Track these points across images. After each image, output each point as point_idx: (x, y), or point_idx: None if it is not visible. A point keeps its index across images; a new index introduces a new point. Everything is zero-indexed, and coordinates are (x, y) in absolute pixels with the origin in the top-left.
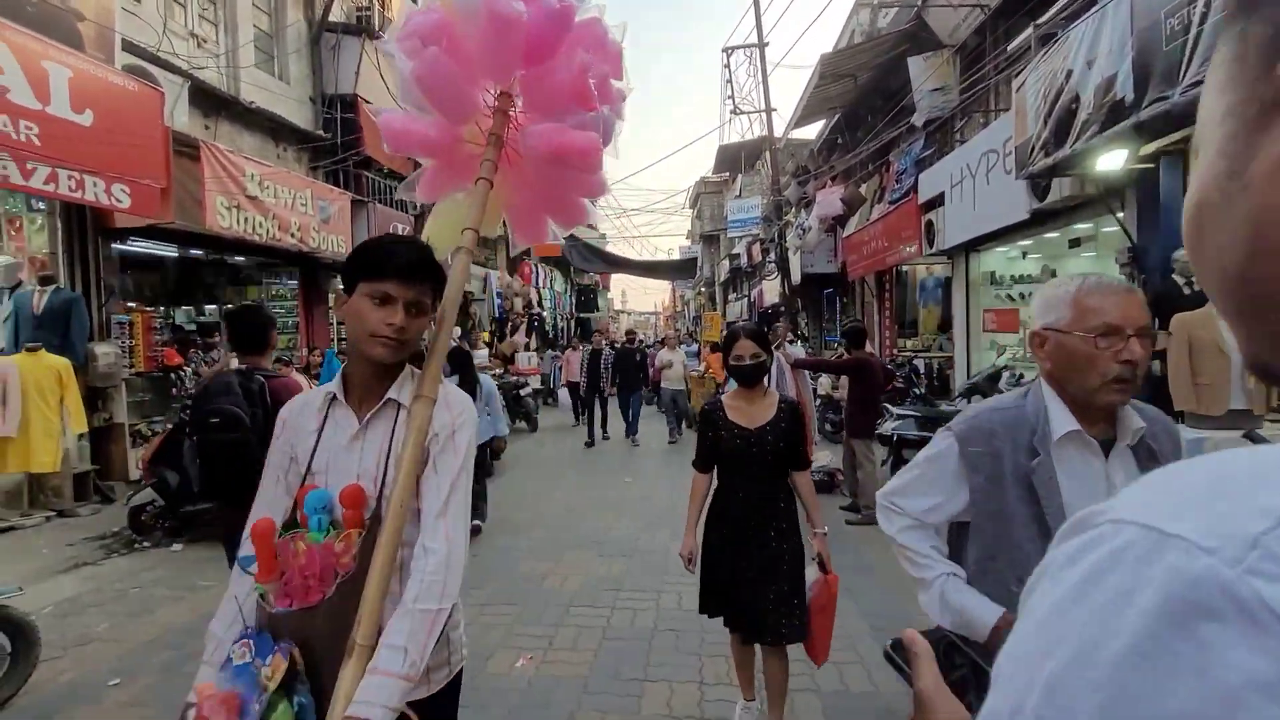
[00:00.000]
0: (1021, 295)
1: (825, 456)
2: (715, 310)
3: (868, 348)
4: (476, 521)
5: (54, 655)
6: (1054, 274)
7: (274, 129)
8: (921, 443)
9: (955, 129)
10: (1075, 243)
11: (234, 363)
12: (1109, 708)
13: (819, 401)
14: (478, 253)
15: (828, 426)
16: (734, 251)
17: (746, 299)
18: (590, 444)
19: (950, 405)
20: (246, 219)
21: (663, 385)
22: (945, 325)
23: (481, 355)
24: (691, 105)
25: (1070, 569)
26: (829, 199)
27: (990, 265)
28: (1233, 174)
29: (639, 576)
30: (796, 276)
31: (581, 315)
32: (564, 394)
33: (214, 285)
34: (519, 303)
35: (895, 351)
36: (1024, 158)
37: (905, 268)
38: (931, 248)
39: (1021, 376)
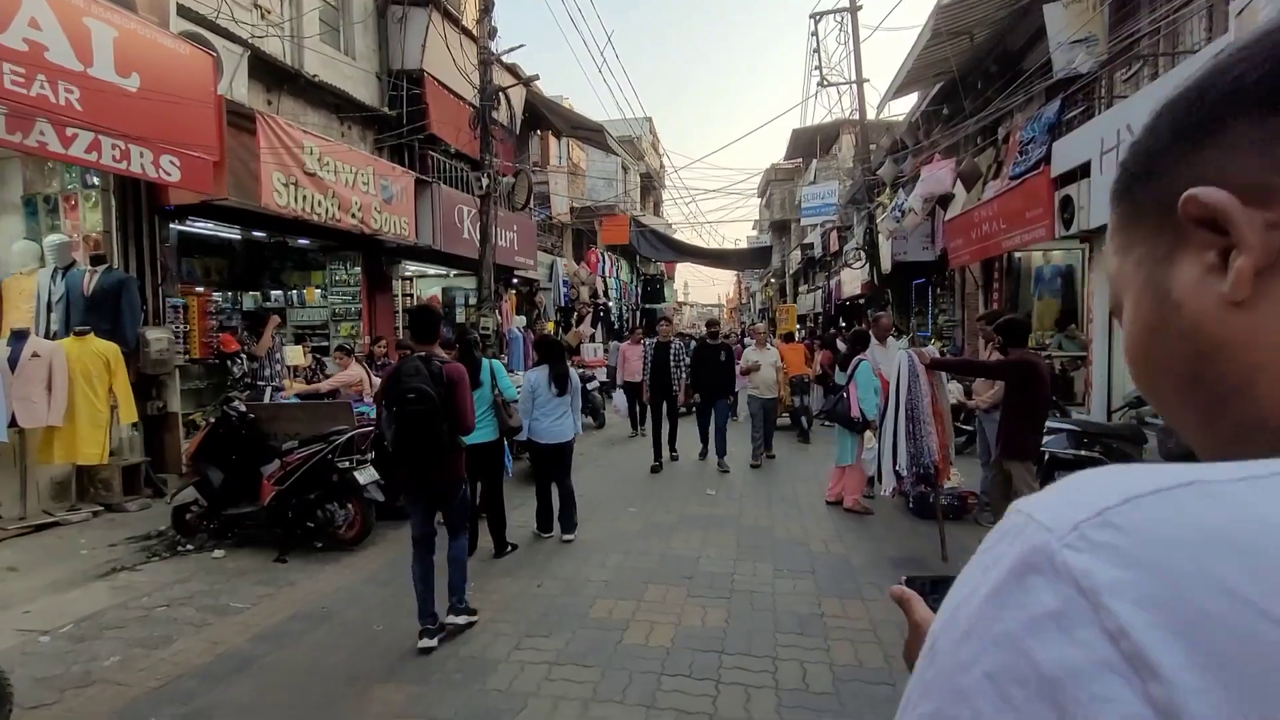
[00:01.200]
0: None
1: (957, 477)
2: (786, 302)
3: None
4: (512, 544)
5: (45, 702)
6: None
7: (337, 105)
8: (1078, 463)
9: (1099, 90)
10: None
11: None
12: (971, 632)
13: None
14: (544, 239)
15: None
16: (806, 241)
17: (821, 290)
18: (657, 468)
19: (1103, 422)
20: (305, 197)
21: (750, 392)
22: (1065, 320)
23: None
24: (774, 79)
25: (981, 548)
26: (937, 175)
27: None
28: (1162, 300)
29: (746, 632)
30: (887, 265)
31: (647, 306)
32: (620, 396)
33: (279, 269)
34: (585, 291)
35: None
36: None
37: (1019, 255)
38: (1068, 229)
39: None
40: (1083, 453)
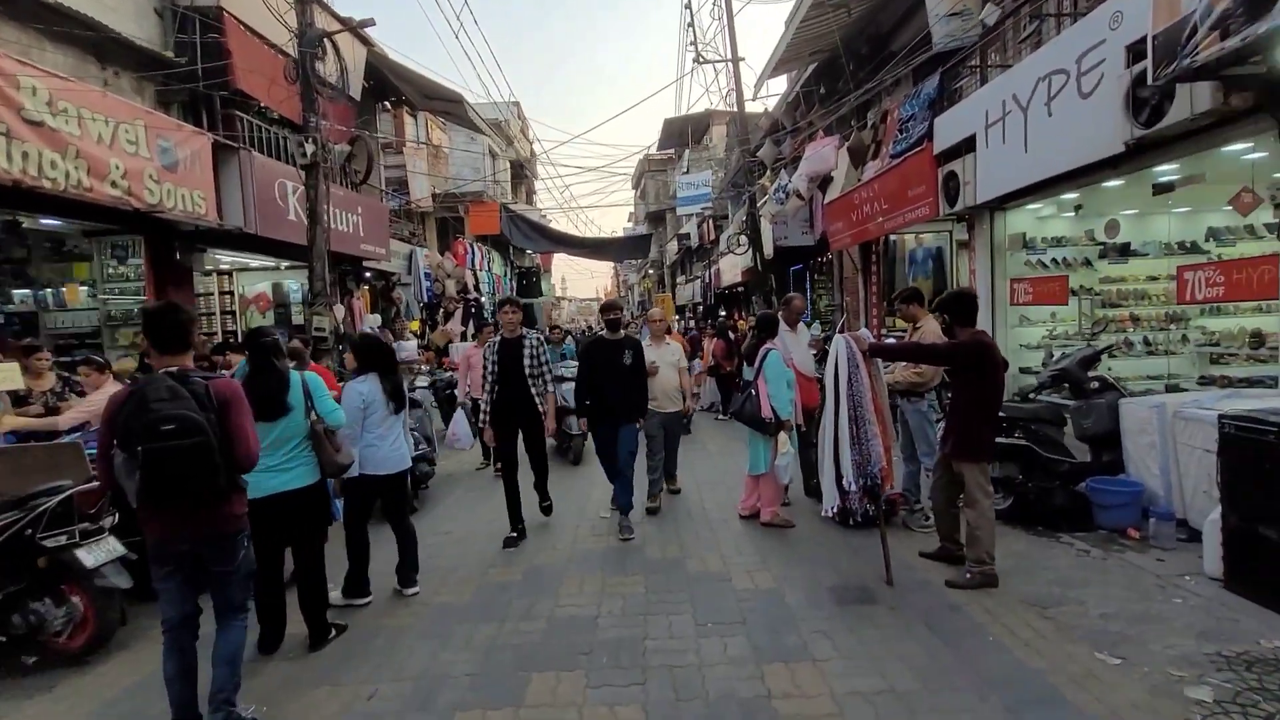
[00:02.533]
0: (1064, 261)
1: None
2: (661, 292)
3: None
4: (335, 595)
5: None
6: (1111, 238)
7: (97, 44)
8: (1004, 452)
9: (972, 64)
10: (1164, 189)
11: None
12: None
13: None
14: (401, 227)
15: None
16: (683, 231)
17: (700, 280)
18: (513, 540)
19: (1020, 404)
20: (27, 155)
21: (651, 408)
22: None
23: (410, 347)
24: (651, 63)
25: None
26: (821, 153)
27: (1020, 226)
28: None
29: None
30: (769, 250)
31: (524, 300)
32: (460, 420)
33: (24, 261)
34: (452, 285)
35: (883, 332)
36: (1166, 51)
37: (893, 238)
38: (952, 206)
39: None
40: (1006, 440)
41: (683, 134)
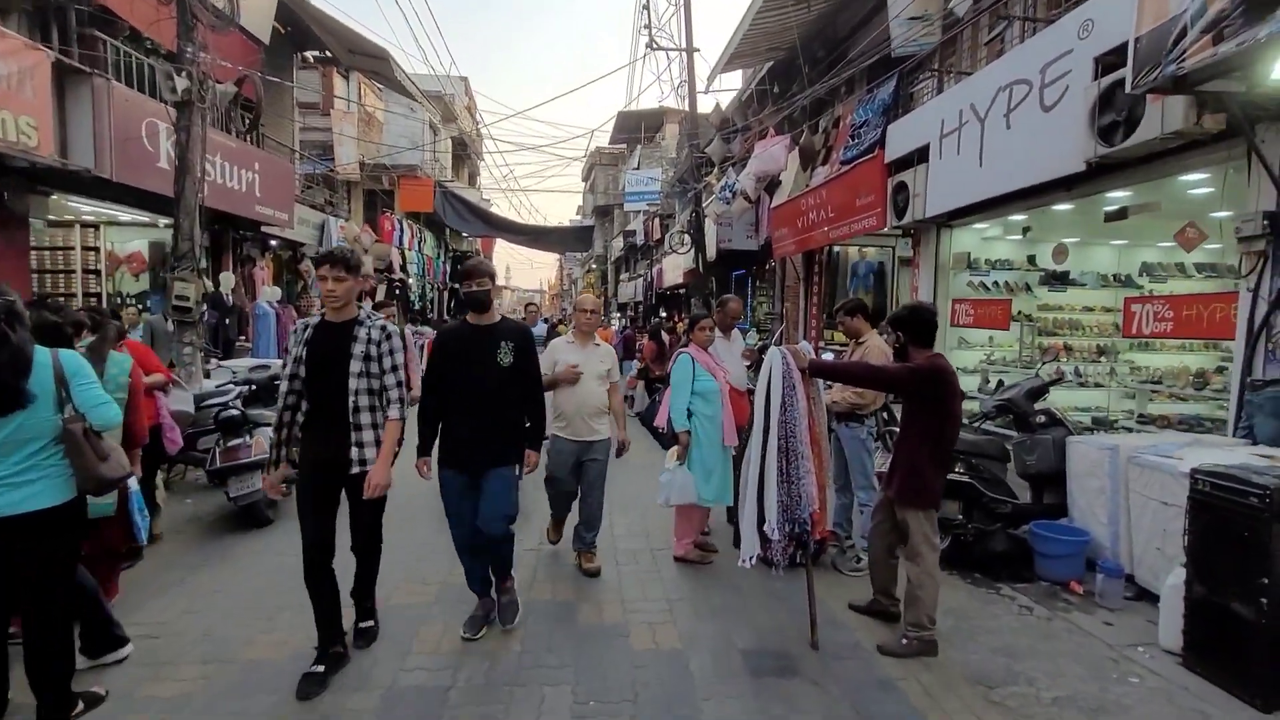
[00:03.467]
0: (1007, 285)
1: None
2: (600, 288)
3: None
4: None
5: None
6: (1058, 263)
7: None
8: (947, 488)
9: (932, 68)
10: (1116, 216)
11: None
12: None
13: None
14: (316, 194)
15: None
16: (629, 228)
17: (642, 279)
18: (316, 677)
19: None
20: None
21: (554, 430)
22: (877, 318)
23: None
24: (607, 49)
25: None
26: (771, 151)
27: (966, 245)
28: None
29: None
30: (711, 251)
31: (457, 286)
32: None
33: None
34: (370, 262)
35: (821, 345)
36: (1149, 56)
37: (837, 249)
38: (900, 219)
39: (1049, 388)
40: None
41: (636, 128)
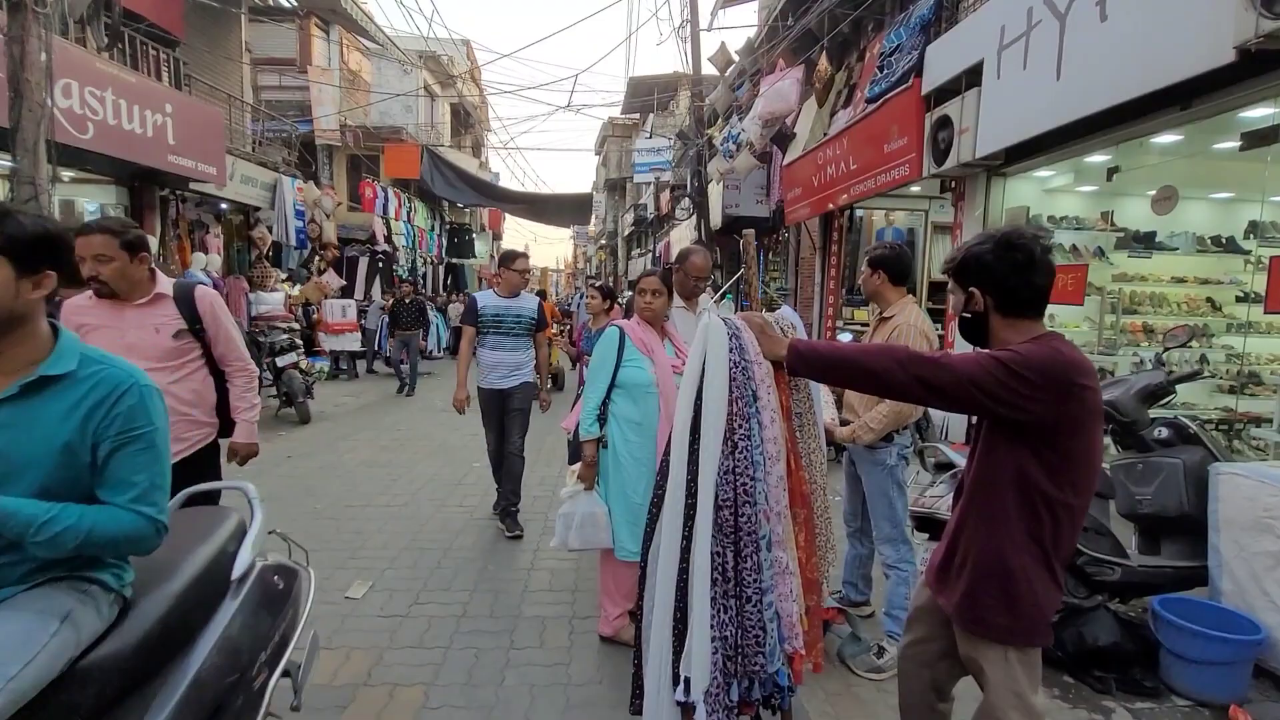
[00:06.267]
0: (1074, 249)
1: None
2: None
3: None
4: None
5: None
6: (1162, 212)
7: None
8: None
9: None
10: (1256, 140)
11: None
12: None
13: None
14: (272, 151)
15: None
16: (640, 201)
17: (651, 254)
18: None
19: None
20: None
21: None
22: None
23: (275, 299)
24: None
25: None
26: (780, 87)
27: (1024, 197)
28: None
29: None
30: (717, 218)
31: (454, 260)
32: None
33: None
34: (331, 228)
35: (835, 326)
36: None
37: (859, 212)
38: (941, 165)
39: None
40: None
41: (649, 97)
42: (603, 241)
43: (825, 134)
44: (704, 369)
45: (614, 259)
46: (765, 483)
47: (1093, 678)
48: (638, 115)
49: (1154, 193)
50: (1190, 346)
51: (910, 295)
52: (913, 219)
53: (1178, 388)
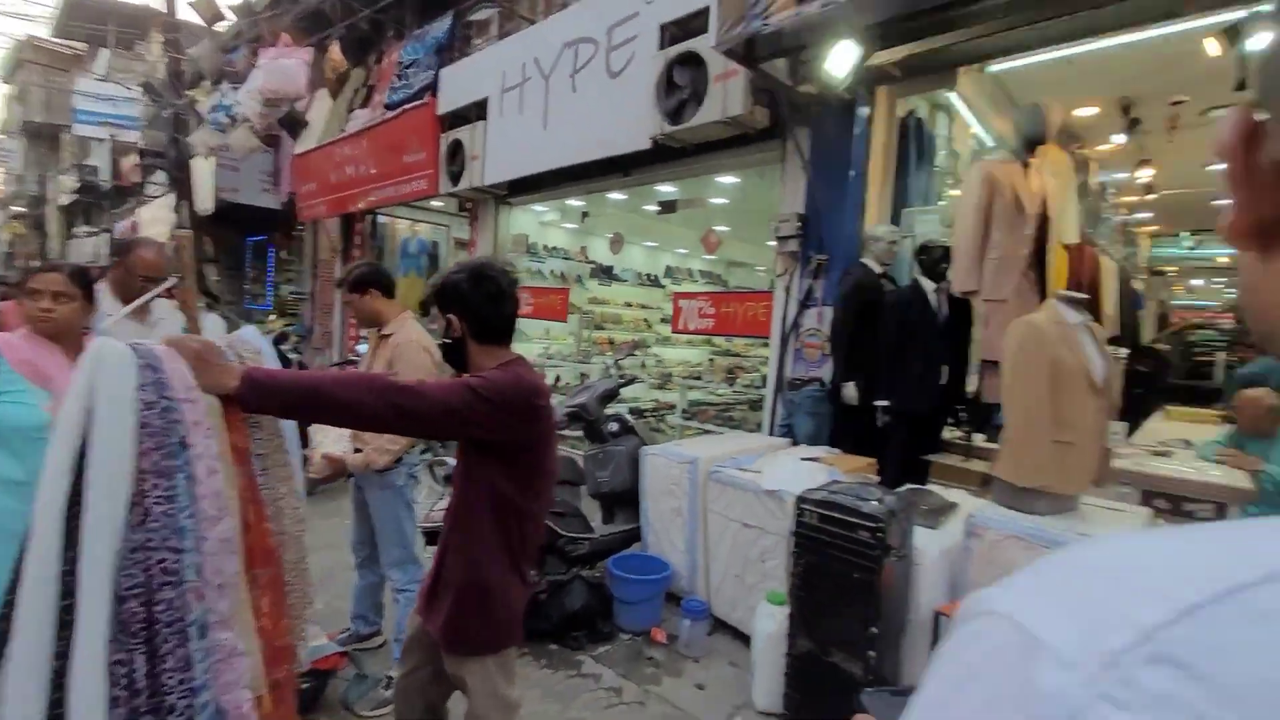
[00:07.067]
0: (560, 275)
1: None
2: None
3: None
4: None
5: None
6: (615, 253)
7: None
8: None
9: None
10: (667, 208)
11: None
12: None
13: None
14: None
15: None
16: (88, 162)
17: (110, 233)
18: None
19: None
20: None
21: None
22: (426, 307)
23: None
24: None
25: (951, 664)
26: (284, 65)
27: (524, 226)
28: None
29: None
30: (208, 203)
31: None
32: None
33: None
34: None
35: (359, 335)
36: (733, 10)
37: (383, 219)
38: (456, 184)
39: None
40: None
41: (103, 24)
42: (19, 209)
43: (343, 129)
44: (91, 418)
45: (41, 235)
46: (198, 552)
47: (571, 639)
48: (85, 46)
49: (611, 236)
50: (635, 355)
51: (408, 310)
52: (437, 232)
53: (622, 390)
